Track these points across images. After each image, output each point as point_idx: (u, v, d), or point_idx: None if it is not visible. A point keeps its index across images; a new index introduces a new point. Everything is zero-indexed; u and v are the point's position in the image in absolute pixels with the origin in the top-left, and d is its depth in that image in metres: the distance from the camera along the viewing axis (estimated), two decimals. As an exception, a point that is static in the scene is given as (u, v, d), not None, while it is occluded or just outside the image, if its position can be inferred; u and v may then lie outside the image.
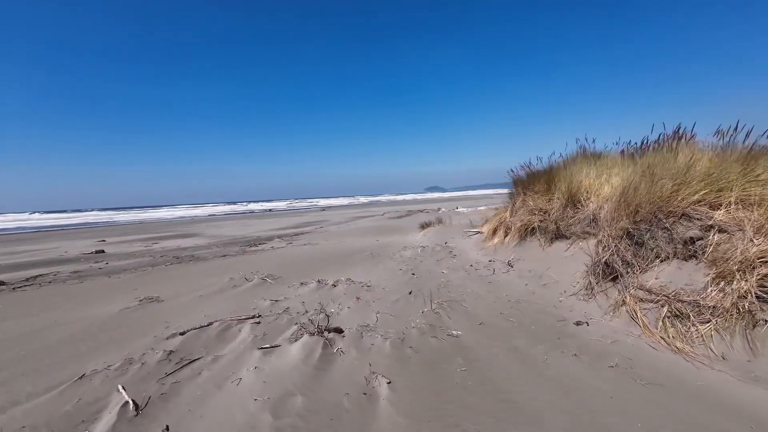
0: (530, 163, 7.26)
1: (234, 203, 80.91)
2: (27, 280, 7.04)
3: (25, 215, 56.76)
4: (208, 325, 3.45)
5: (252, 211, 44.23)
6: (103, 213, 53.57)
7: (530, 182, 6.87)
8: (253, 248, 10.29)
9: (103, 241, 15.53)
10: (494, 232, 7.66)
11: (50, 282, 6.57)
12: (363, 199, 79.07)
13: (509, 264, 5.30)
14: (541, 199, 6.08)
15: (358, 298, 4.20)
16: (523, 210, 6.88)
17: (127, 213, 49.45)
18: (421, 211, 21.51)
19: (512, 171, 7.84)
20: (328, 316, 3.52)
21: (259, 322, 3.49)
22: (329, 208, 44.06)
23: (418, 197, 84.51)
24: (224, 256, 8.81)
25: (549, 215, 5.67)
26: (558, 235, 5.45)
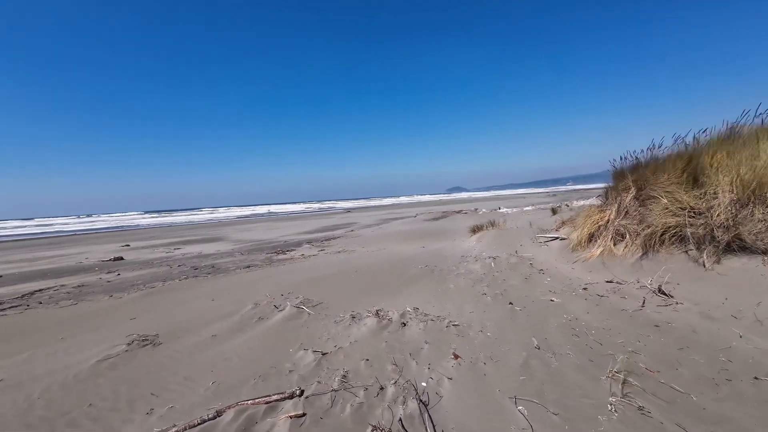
0: (654, 145, 5.41)
1: (253, 206, 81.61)
2: (22, 297, 5.93)
3: (86, 217, 59.12)
4: (215, 418, 1.94)
5: (273, 213, 43.71)
6: (139, 215, 54.89)
7: (655, 171, 5.03)
8: (281, 256, 8.92)
9: (127, 245, 14.76)
10: (590, 238, 5.87)
11: (41, 303, 5.37)
12: (387, 201, 77.63)
13: (661, 291, 3.53)
14: (688, 195, 4.25)
15: (456, 356, 2.58)
16: (639, 210, 5.07)
17: (161, 216, 50.28)
18: (458, 212, 19.69)
19: (618, 159, 6.01)
20: (426, 407, 1.94)
21: (302, 414, 1.95)
22: (354, 210, 42.82)
23: (444, 197, 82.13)
24: (248, 267, 7.45)
25: (710, 217, 3.85)
26: (730, 247, 3.64)
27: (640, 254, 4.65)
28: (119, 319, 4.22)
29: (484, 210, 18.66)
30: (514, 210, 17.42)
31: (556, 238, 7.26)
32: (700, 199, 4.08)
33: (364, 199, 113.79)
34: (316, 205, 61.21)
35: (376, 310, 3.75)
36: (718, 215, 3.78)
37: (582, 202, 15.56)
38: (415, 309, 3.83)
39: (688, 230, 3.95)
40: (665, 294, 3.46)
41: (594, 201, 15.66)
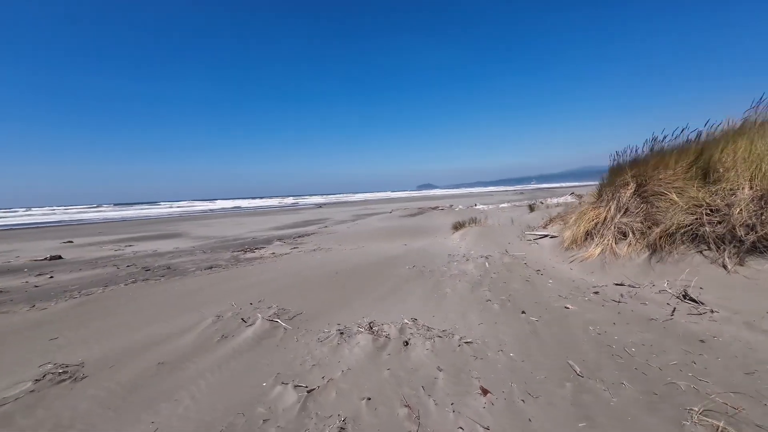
0: (656, 137, 5.13)
1: (218, 200, 77.81)
2: None
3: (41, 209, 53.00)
4: None
5: (239, 208, 41.60)
6: (88, 209, 50.18)
7: (657, 166, 4.75)
8: (248, 255, 8.01)
9: (70, 242, 13.07)
10: (587, 236, 5.56)
11: (-65, 316, 4.25)
12: (358, 197, 76.71)
13: (689, 297, 3.17)
14: (703, 191, 3.95)
15: (484, 391, 2.00)
16: (643, 208, 4.77)
17: (114, 210, 46.24)
18: (434, 209, 19.37)
19: (615, 155, 5.73)
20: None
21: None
22: (325, 205, 41.66)
23: (415, 194, 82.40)
24: (211, 268, 6.53)
25: (731, 215, 3.55)
26: (756, 248, 3.35)
27: (648, 254, 4.33)
28: (36, 339, 3.29)
29: (460, 207, 18.46)
30: (490, 207, 17.34)
31: (546, 235, 6.96)
32: (717, 195, 3.79)
33: (334, 194, 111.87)
34: (286, 200, 59.02)
35: (369, 323, 3.12)
36: (739, 212, 3.49)
37: (556, 200, 15.71)
38: (414, 321, 3.23)
39: (707, 229, 3.64)
40: (694, 300, 3.10)
41: (568, 198, 15.86)
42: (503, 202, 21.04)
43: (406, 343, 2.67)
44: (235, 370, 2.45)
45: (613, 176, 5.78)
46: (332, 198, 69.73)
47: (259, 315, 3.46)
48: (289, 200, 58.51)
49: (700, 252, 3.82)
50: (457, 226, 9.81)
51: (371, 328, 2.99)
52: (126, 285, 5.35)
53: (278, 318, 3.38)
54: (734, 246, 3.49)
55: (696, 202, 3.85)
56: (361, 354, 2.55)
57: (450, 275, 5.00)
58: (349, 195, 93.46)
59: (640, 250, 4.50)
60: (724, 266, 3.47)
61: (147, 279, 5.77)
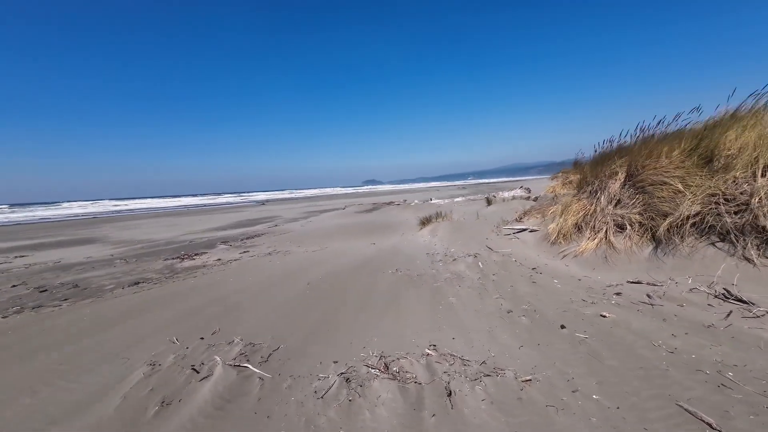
0: (645, 124, 4.94)
1: (143, 198, 69.49)
2: None
3: None
4: None
5: (169, 207, 37.25)
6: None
7: (651, 154, 4.54)
8: (188, 262, 6.57)
9: (-70, 254, 10.02)
10: (578, 229, 5.28)
11: None
12: (304, 193, 73.82)
13: (731, 295, 2.84)
14: (713, 179, 3.73)
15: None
16: (640, 198, 4.55)
17: (20, 211, 38.25)
18: (389, 204, 18.81)
19: (600, 143, 5.51)
20: None
21: None
22: (269, 202, 39.02)
23: (361, 190, 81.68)
24: (137, 283, 5.09)
25: (750, 204, 3.34)
26: (778, 239, 3.16)
27: (652, 248, 4.08)
28: None
29: (416, 201, 18.10)
30: (446, 201, 17.24)
31: (525, 229, 6.65)
32: (729, 183, 3.59)
33: (276, 191, 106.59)
34: (223, 199, 54.13)
35: (380, 358, 2.29)
36: (759, 201, 3.29)
37: (508, 194, 16.02)
38: (433, 347, 2.48)
39: (727, 219, 3.41)
40: (742, 300, 2.77)
41: (518, 192, 16.26)
42: (453, 197, 21.20)
43: (450, 393, 1.90)
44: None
45: (597, 167, 5.60)
46: (275, 194, 65.88)
47: (218, 358, 2.42)
48: (228, 198, 53.70)
49: (713, 244, 3.61)
50: (425, 222, 9.26)
51: (387, 368, 2.17)
52: (4, 318, 3.80)
53: (248, 361, 2.38)
54: (755, 237, 3.29)
55: (711, 191, 3.61)
56: (391, 419, 1.72)
57: (444, 279, 4.33)
58: (293, 191, 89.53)
59: (643, 243, 4.26)
60: (748, 259, 3.25)
61: (41, 306, 4.22)
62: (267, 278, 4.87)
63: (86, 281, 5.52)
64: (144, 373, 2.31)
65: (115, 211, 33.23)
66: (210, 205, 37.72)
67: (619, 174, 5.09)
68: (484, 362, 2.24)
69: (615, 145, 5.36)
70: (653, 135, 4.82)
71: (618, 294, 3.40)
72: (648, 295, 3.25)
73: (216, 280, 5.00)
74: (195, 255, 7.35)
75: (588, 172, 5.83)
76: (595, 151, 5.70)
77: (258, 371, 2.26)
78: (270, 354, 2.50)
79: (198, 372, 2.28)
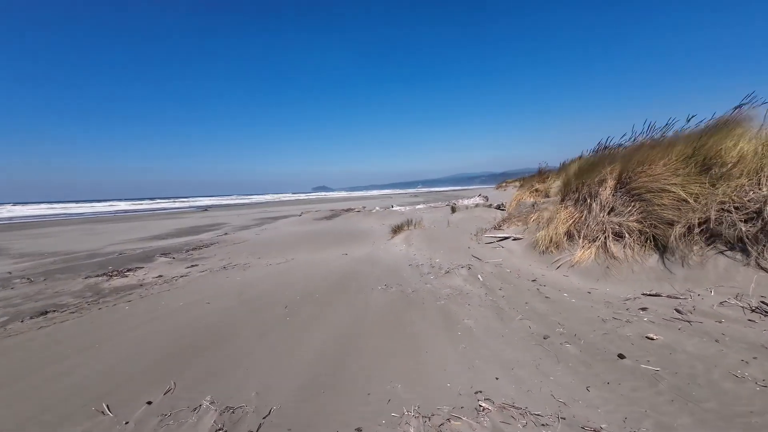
0: (635, 135, 4.88)
1: (56, 203, 60.70)
2: None
3: None
4: None
5: (86, 213, 32.58)
6: None
7: (644, 161, 4.46)
8: (119, 280, 5.29)
9: None
10: (568, 237, 5.08)
11: None
12: (251, 199, 69.76)
13: (774, 311, 2.65)
14: (724, 186, 3.65)
15: None
16: (637, 205, 4.44)
17: None
18: (348, 211, 18.06)
19: (586, 151, 5.40)
20: None
21: None
22: (213, 207, 35.94)
23: (312, 196, 79.50)
24: (45, 313, 3.83)
25: (764, 212, 3.27)
26: (793, 248, 3.09)
27: (657, 257, 3.93)
28: None
29: (377, 208, 17.57)
30: (407, 208, 16.95)
31: (508, 237, 6.41)
32: (736, 191, 3.53)
33: (220, 196, 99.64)
34: (159, 204, 48.71)
35: (421, 418, 1.64)
36: (769, 210, 3.23)
37: (468, 201, 16.16)
38: (481, 394, 1.90)
39: (743, 227, 3.31)
40: (789, 317, 2.58)
41: (477, 200, 16.50)
42: (413, 204, 21.07)
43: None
44: None
45: (583, 174, 5.51)
46: (221, 200, 61.09)
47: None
48: (161, 204, 48.28)
49: (721, 253, 3.51)
50: (396, 230, 8.74)
51: (442, 439, 1.52)
52: None
53: (228, 441, 1.59)
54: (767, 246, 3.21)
55: (721, 198, 3.52)
56: None
57: (446, 296, 3.80)
58: (240, 197, 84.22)
59: (645, 252, 4.11)
60: (764, 269, 3.15)
61: None
62: (230, 301, 3.94)
63: (-33, 311, 4.08)
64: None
65: (19, 216, 28.16)
66: (142, 210, 33.70)
67: (609, 181, 5.00)
68: (561, 417, 1.70)
69: (602, 151, 5.29)
70: (643, 143, 4.80)
71: (643, 309, 3.11)
72: (678, 311, 2.99)
73: (159, 304, 3.94)
74: (128, 271, 6.01)
75: (573, 180, 5.73)
76: (562, 163, 5.61)
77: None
78: (260, 425, 1.72)
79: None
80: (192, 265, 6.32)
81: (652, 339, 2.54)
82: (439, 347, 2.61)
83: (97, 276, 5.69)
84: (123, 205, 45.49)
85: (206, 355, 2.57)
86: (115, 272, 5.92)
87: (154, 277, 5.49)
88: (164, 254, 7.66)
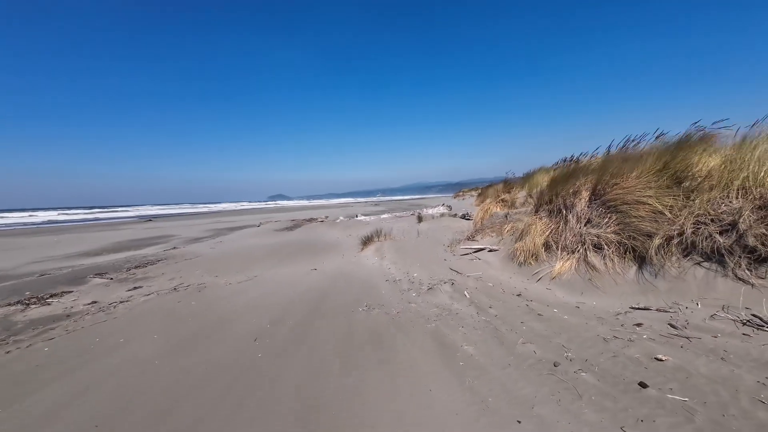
0: (608, 148, 4.99)
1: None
2: None
3: None
4: None
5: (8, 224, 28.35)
6: None
7: (616, 174, 4.54)
8: (39, 309, 4.36)
9: None
10: (546, 248, 5.05)
11: None
12: (202, 208, 65.45)
13: (766, 322, 2.65)
14: (700, 199, 3.75)
15: None
16: (613, 217, 4.49)
17: None
18: (310, 221, 17.38)
19: (560, 161, 5.45)
20: None
21: None
22: (158, 217, 33.00)
23: (269, 205, 76.39)
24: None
25: (737, 224, 3.37)
26: (761, 259, 3.20)
27: (635, 269, 3.96)
28: None
29: (341, 218, 17.06)
30: (372, 218, 16.64)
31: (483, 249, 6.30)
32: (710, 204, 3.64)
33: (166, 205, 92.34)
34: (95, 214, 43.47)
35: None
36: (742, 221, 3.34)
37: (432, 211, 16.21)
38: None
39: (720, 239, 3.38)
40: (779, 329, 2.59)
41: (442, 209, 16.64)
42: (374, 214, 20.82)
43: None
44: None
45: (557, 185, 5.56)
46: (167, 209, 56.26)
47: None
48: (95, 213, 43.13)
49: (698, 264, 3.58)
50: (366, 242, 8.37)
51: None
52: None
53: None
54: (743, 257, 3.31)
55: (698, 211, 3.61)
56: None
57: (436, 317, 3.50)
58: (189, 206, 78.57)
59: (624, 264, 4.13)
60: (742, 279, 3.23)
61: None
62: (184, 332, 3.31)
63: None
64: None
65: None
66: (75, 221, 30.02)
67: (583, 192, 5.07)
68: (611, 475, 1.44)
69: (575, 164, 5.37)
70: (614, 156, 4.92)
71: (638, 325, 3.04)
72: (672, 326, 2.95)
73: (92, 342, 3.21)
74: (51, 297, 5.02)
75: (546, 191, 5.78)
76: (527, 173, 5.67)
77: None
78: None
79: None
80: (134, 287, 5.45)
81: (661, 360, 2.41)
82: (444, 383, 2.28)
83: (8, 305, 4.66)
84: (50, 215, 40.24)
85: (162, 420, 2.02)
86: (34, 299, 4.91)
87: (85, 305, 4.61)
88: (99, 274, 6.60)
